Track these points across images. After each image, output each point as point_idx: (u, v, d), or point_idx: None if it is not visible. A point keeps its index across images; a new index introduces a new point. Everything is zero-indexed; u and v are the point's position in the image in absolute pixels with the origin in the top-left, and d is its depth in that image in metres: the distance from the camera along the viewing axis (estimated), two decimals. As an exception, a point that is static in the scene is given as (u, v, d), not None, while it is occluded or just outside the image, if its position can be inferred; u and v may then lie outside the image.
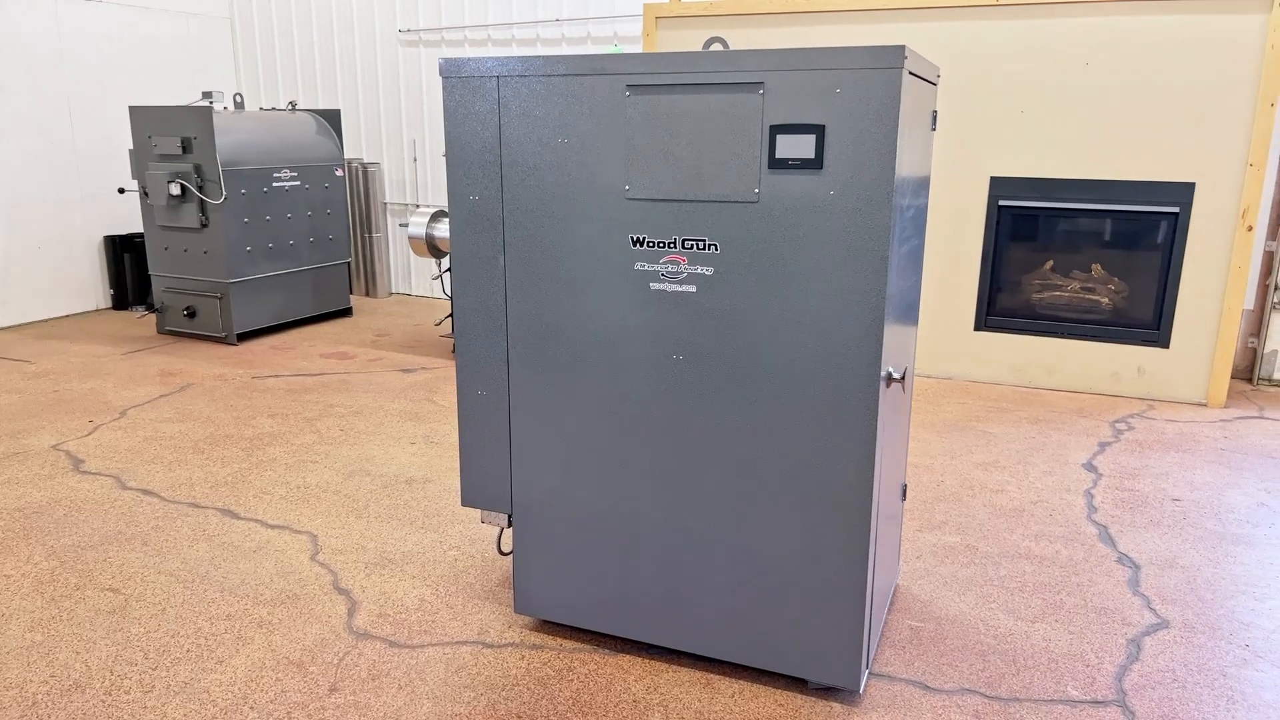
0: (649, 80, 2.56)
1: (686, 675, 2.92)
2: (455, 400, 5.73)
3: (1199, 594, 3.47)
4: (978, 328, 6.31)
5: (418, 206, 8.83)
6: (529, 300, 2.85)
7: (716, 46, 2.92)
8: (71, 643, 3.09)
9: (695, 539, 2.82)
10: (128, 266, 8.24)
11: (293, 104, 7.72)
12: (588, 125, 2.66)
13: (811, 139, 2.42)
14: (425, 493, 4.31)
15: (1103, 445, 5.07)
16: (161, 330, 7.41)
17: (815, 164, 2.43)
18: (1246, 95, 5.40)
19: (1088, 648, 3.11)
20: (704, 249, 2.60)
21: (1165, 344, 5.90)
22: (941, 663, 3.01)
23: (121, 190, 7.25)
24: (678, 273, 2.65)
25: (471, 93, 2.78)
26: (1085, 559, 3.74)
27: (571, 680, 2.90)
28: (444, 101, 2.82)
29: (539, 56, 2.67)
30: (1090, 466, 4.75)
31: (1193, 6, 5.38)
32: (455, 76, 2.79)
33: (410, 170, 8.78)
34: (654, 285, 2.69)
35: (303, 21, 8.94)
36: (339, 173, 7.77)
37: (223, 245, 6.88)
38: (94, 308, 8.34)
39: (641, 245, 2.68)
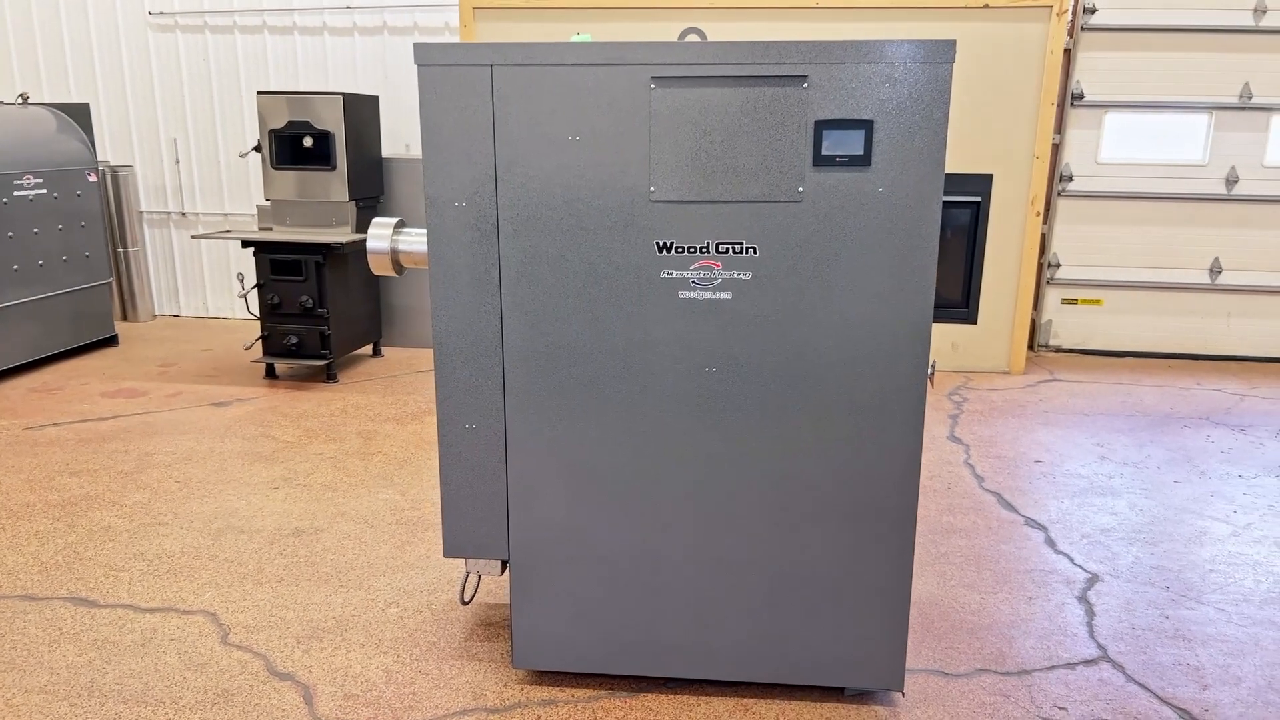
0: (678, 72, 2.35)
1: (720, 705, 2.75)
2: (300, 434, 5.07)
3: (1106, 546, 3.84)
4: (811, 316, 6.59)
5: (183, 215, 7.74)
6: (531, 318, 2.53)
7: (693, 37, 2.75)
8: (-55, 808, 2.33)
9: (727, 561, 2.65)
10: None
11: (24, 97, 6.44)
12: (604, 121, 2.40)
13: (860, 135, 2.34)
14: (322, 544, 3.75)
15: (953, 418, 5.49)
16: None
17: (863, 160, 2.36)
18: (1032, 95, 6.07)
19: (1051, 610, 3.32)
20: (741, 252, 2.44)
21: (974, 320, 6.48)
22: (944, 647, 3.08)
23: None
24: (710, 279, 2.47)
25: (457, 84, 2.41)
26: (1000, 526, 4.01)
27: (606, 733, 2.63)
28: (420, 94, 2.42)
29: (544, 44, 2.37)
30: (955, 439, 5.12)
31: (988, 15, 5.95)
32: (435, 65, 2.40)
33: (171, 174, 7.66)
34: (683, 294, 2.48)
35: (14, -2, 7.49)
36: (92, 178, 6.59)
37: (-46, 270, 5.58)
38: None
39: (668, 251, 2.46)
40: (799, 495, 2.58)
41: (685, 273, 2.47)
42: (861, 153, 2.35)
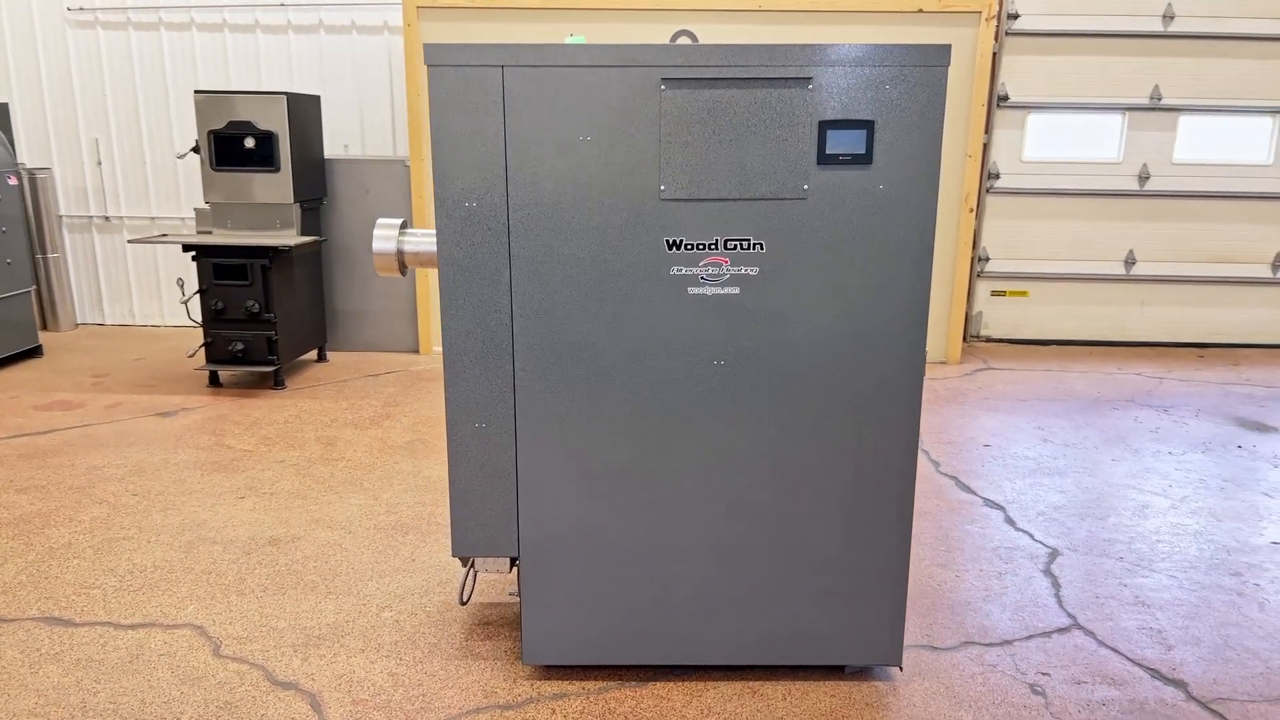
0: (688, 74, 2.42)
1: (728, 688, 2.83)
2: (256, 442, 4.94)
3: (1060, 522, 4.07)
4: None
5: (106, 219, 7.43)
6: (543, 317, 2.56)
7: (684, 40, 2.82)
8: (-50, 839, 2.23)
9: (734, 549, 2.73)
10: None
11: (-65, 95, 6.08)
12: (615, 121, 2.45)
13: (862, 134, 2.45)
14: (302, 552, 3.69)
15: (901, 406, 5.69)
16: None
17: (865, 159, 2.46)
18: (964, 97, 6.34)
19: (1021, 583, 3.51)
20: (749, 248, 2.52)
21: (913, 313, 6.76)
22: (928, 623, 3.22)
23: None
24: (719, 275, 2.54)
25: (467, 85, 2.42)
26: (961, 507, 4.20)
27: (622, 722, 2.68)
28: (430, 94, 2.43)
29: (554, 46, 2.40)
30: (907, 426, 5.31)
31: (922, 20, 6.19)
32: (446, 65, 2.41)
33: (92, 176, 7.34)
34: (692, 290, 2.55)
35: (-87, -9, 7.06)
36: (12, 181, 6.28)
37: None
38: None
39: (678, 248, 2.52)
40: (804, 482, 2.68)
41: (694, 269, 2.53)
42: (863, 152, 2.46)
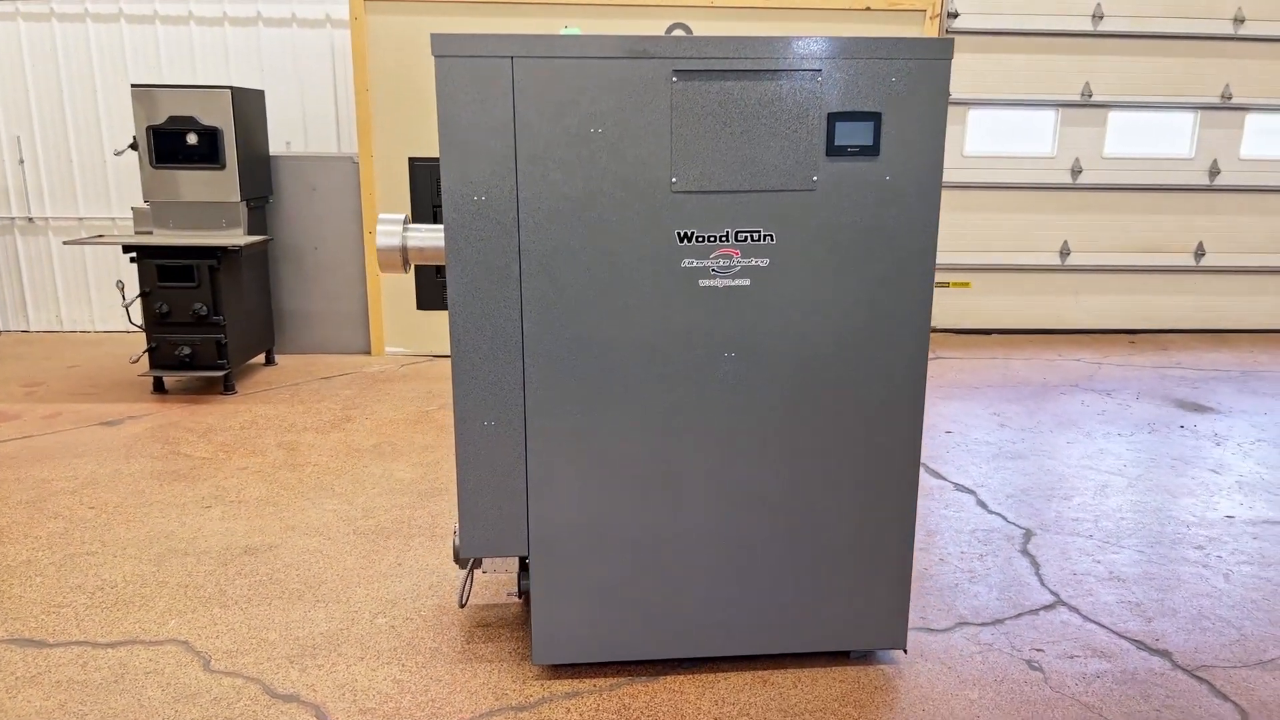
0: (699, 66, 2.42)
1: (739, 679, 2.84)
2: (213, 449, 4.76)
3: (1029, 504, 4.20)
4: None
5: (30, 220, 7.06)
6: (553, 312, 2.53)
7: (679, 32, 2.81)
8: None
9: (743, 540, 2.75)
10: None
11: None
12: (627, 114, 2.43)
13: (870, 126, 2.48)
14: (281, 560, 3.57)
15: (861, 397, 5.80)
16: None
17: (872, 150, 2.50)
18: (911, 93, 6.48)
19: (1002, 564, 3.62)
20: (759, 240, 2.54)
21: (864, 305, 6.89)
22: (921, 606, 3.29)
23: None
24: (729, 267, 2.55)
25: (475, 76, 2.38)
26: (934, 493, 4.31)
27: (641, 718, 2.66)
28: (438, 86, 2.37)
29: (565, 36, 2.38)
30: (870, 416, 5.42)
31: (870, 18, 6.32)
32: (454, 56, 2.36)
33: (14, 175, 6.96)
34: (703, 282, 2.55)
35: None
36: (-71, 181, 5.91)
37: None
38: None
39: (689, 241, 2.52)
40: (812, 472, 2.71)
41: (705, 261, 2.54)
42: (871, 143, 2.49)
